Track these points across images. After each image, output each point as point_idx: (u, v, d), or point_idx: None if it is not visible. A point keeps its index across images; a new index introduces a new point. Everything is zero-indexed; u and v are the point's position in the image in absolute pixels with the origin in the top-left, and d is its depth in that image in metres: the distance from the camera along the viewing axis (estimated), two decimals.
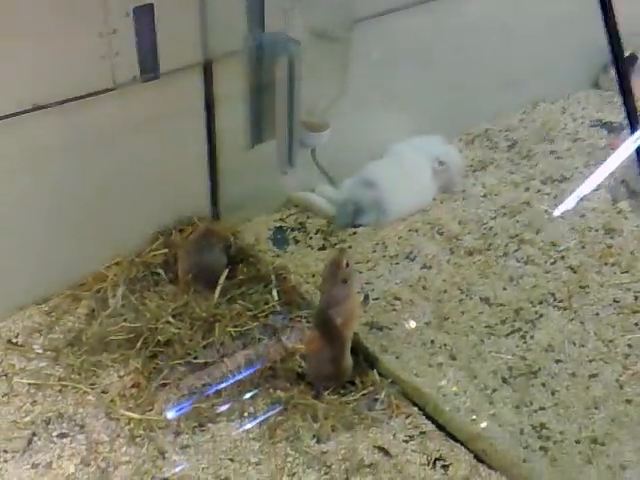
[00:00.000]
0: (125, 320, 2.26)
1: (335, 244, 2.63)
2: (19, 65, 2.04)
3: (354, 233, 2.67)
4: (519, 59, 3.00)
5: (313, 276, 2.47)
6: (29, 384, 2.13)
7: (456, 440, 2.02)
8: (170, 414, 2.04)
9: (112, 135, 2.25)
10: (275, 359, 2.19)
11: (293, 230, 2.70)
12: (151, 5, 2.15)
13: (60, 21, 2.05)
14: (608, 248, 2.62)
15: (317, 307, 2.17)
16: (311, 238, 2.66)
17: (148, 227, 2.49)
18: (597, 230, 2.70)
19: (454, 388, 2.13)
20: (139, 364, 2.16)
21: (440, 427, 2.05)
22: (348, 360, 2.13)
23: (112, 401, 2.09)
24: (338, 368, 2.12)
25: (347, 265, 2.05)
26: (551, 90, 3.38)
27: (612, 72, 3.33)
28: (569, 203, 2.81)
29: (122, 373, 2.16)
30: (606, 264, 2.56)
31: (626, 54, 1.84)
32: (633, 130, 1.74)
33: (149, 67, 2.22)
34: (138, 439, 1.99)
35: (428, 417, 2.07)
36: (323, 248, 2.62)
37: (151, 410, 2.06)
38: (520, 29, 2.95)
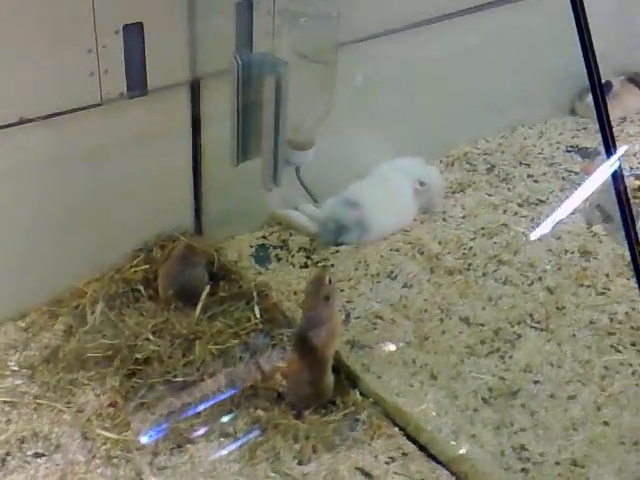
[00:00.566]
0: (103, 337, 2.23)
1: (317, 262, 2.62)
2: (7, 78, 2.03)
3: (336, 251, 2.67)
4: (498, 85, 3.05)
5: (295, 294, 2.46)
6: (4, 402, 2.08)
7: (438, 462, 2.01)
8: (144, 439, 2.00)
9: (97, 150, 2.24)
10: (254, 380, 2.17)
11: (275, 248, 2.70)
12: (140, 23, 2.16)
13: (50, 36, 2.04)
14: (584, 270, 2.66)
15: (297, 328, 2.17)
16: (293, 256, 2.66)
17: (129, 243, 2.47)
18: (573, 253, 2.73)
19: (433, 413, 2.13)
20: (116, 382, 2.12)
21: (422, 448, 2.04)
22: (329, 379, 2.12)
23: (88, 420, 2.04)
24: (318, 388, 2.11)
25: (330, 282, 2.05)
26: (529, 115, 3.43)
27: (587, 99, 3.43)
28: (545, 226, 2.86)
29: (99, 391, 2.12)
30: (582, 286, 2.59)
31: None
32: (609, 155, 1.77)
33: (137, 84, 2.22)
34: (115, 460, 1.95)
35: (409, 438, 2.07)
36: (305, 266, 2.62)
37: (128, 430, 2.02)
38: (499, 56, 3.00)
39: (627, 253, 2.65)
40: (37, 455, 1.96)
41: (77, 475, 1.91)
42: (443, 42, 2.81)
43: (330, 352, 2.10)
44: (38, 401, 2.09)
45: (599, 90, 1.70)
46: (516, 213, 2.92)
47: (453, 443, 2.04)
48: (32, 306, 2.36)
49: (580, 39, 1.64)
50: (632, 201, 2.80)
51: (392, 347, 2.33)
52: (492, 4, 2.92)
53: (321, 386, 2.11)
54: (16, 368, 2.19)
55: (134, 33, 2.16)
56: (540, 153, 3.30)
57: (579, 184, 3.09)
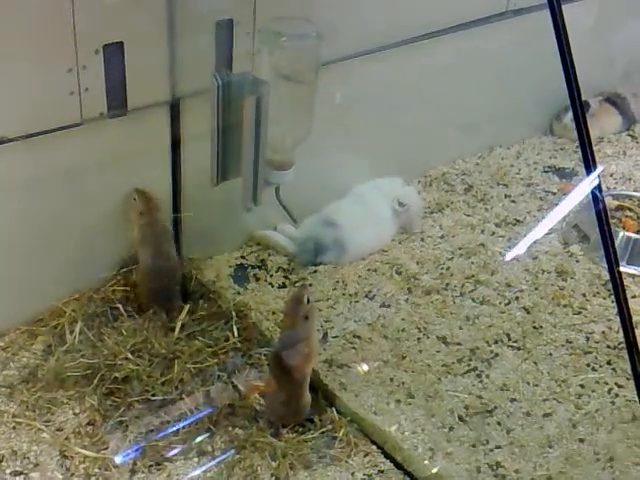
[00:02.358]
0: (82, 356, 2.23)
1: (295, 282, 2.63)
2: None
3: (314, 271, 2.69)
4: (476, 105, 3.08)
5: (273, 314, 2.47)
6: None
7: (414, 479, 2.03)
8: (123, 457, 2.01)
9: (77, 170, 2.24)
10: (232, 399, 2.18)
11: (254, 268, 2.71)
12: (121, 43, 2.17)
13: (30, 55, 2.05)
14: (560, 290, 2.68)
15: (274, 347, 2.17)
16: (272, 276, 2.67)
17: (108, 262, 2.47)
18: (549, 272, 2.76)
19: (410, 431, 2.14)
20: (95, 401, 2.13)
21: (398, 466, 2.06)
22: (306, 398, 2.13)
23: (67, 439, 2.05)
24: (296, 407, 2.12)
25: (308, 301, 2.06)
26: (506, 136, 3.47)
27: (564, 120, 3.48)
28: (522, 246, 2.89)
29: (78, 410, 2.12)
30: (558, 305, 2.62)
31: None
32: (589, 173, 1.77)
33: (117, 103, 2.23)
34: (93, 478, 1.96)
35: (386, 456, 2.08)
36: (283, 286, 2.63)
37: (106, 448, 2.03)
38: (477, 76, 3.04)
39: (603, 273, 2.71)
40: (15, 473, 1.96)
41: None
42: (421, 62, 2.84)
43: (307, 371, 2.10)
44: (17, 420, 2.09)
45: (579, 107, 1.71)
46: (493, 233, 2.95)
47: (428, 461, 2.06)
48: (11, 325, 2.35)
49: (561, 57, 1.63)
50: (610, 221, 2.86)
51: (369, 366, 2.34)
52: (470, 24, 2.95)
53: (298, 405, 2.11)
54: None
55: (114, 52, 2.18)
56: (517, 173, 3.33)
57: (556, 204, 3.12)
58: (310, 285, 2.59)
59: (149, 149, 2.36)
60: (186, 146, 2.42)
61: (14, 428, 2.08)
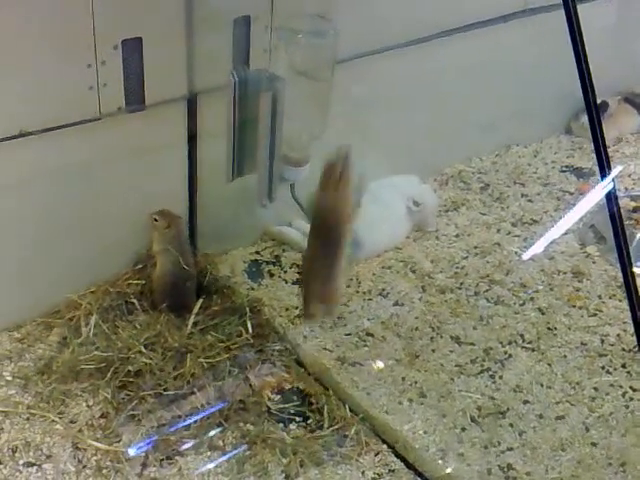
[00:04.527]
0: (97, 349, 2.24)
1: None
2: (9, 91, 2.06)
3: None
4: (493, 104, 3.07)
5: (287, 310, 2.48)
6: None
7: (425, 479, 2.03)
8: (134, 450, 2.02)
9: (94, 164, 2.26)
10: (244, 395, 2.19)
11: (268, 263, 2.72)
12: (140, 39, 2.18)
13: (50, 50, 2.07)
14: (576, 291, 2.67)
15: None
16: (286, 272, 2.68)
17: (124, 256, 2.49)
18: (565, 273, 2.75)
19: (421, 431, 2.14)
20: (109, 394, 2.14)
21: (409, 465, 2.06)
22: (342, 282, 2.04)
23: (80, 431, 2.07)
24: (331, 278, 2.03)
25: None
26: (524, 134, 3.45)
27: (583, 119, 3.44)
28: (539, 246, 2.87)
29: (91, 403, 2.14)
30: (574, 307, 2.60)
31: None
32: (604, 176, 1.77)
33: (135, 99, 2.25)
34: (105, 470, 1.97)
35: (397, 455, 2.08)
36: (297, 282, 2.62)
37: (119, 441, 2.04)
38: (495, 74, 3.02)
39: (620, 274, 2.68)
40: (28, 464, 1.98)
41: None
42: (438, 60, 2.83)
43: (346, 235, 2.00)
44: (31, 411, 2.11)
45: (594, 110, 1.70)
46: (509, 232, 2.94)
47: (440, 462, 2.06)
48: (27, 317, 2.38)
49: (576, 58, 1.63)
50: (627, 222, 2.84)
51: (382, 364, 2.34)
52: (487, 22, 2.94)
53: (332, 274, 2.00)
54: (10, 378, 2.21)
55: (133, 48, 2.19)
56: (535, 172, 3.31)
57: (573, 204, 3.10)
58: None
59: (166, 144, 2.37)
60: (202, 141, 2.43)
61: (28, 419, 2.10)
